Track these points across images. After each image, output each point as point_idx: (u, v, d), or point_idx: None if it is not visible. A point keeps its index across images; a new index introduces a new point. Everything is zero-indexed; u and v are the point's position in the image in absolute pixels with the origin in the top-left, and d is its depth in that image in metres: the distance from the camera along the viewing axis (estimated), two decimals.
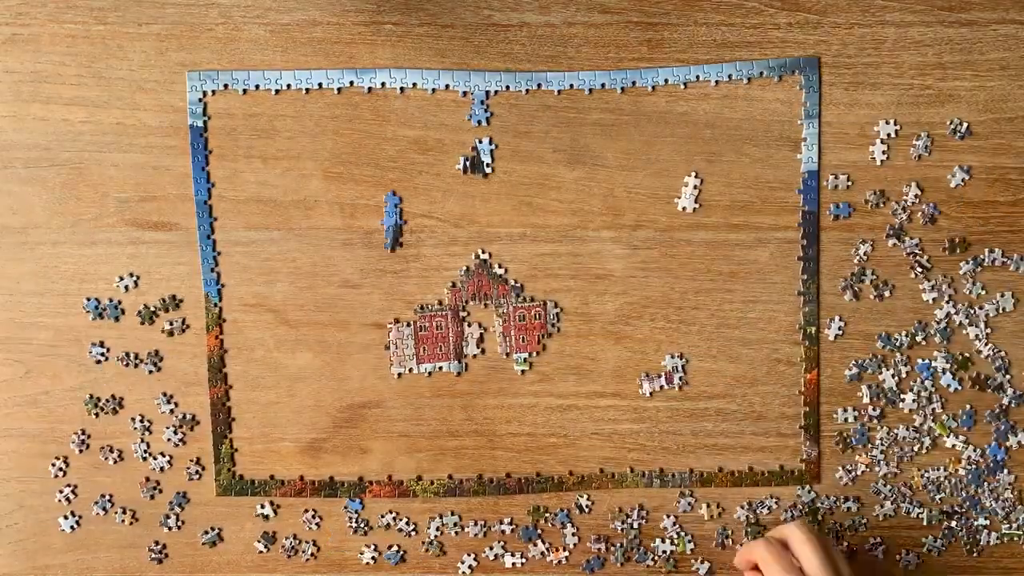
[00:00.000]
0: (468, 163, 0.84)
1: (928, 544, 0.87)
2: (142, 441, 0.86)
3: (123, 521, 0.87)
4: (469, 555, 0.87)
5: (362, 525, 0.87)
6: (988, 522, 0.87)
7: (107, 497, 0.86)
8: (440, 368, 0.86)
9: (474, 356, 0.86)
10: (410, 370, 0.86)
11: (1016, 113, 0.84)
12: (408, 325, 0.86)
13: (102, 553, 0.87)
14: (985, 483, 0.87)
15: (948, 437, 0.86)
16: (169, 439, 0.86)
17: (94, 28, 0.83)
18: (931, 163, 0.84)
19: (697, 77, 0.83)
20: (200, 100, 0.83)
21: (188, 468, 0.86)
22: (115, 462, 0.86)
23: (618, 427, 0.86)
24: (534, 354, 0.86)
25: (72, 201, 0.84)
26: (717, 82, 0.83)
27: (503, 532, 0.87)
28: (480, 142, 0.84)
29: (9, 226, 0.84)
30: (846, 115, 0.84)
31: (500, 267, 0.85)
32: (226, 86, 0.83)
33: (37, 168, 0.83)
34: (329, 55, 0.83)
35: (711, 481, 0.87)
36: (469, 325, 0.86)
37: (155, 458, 0.86)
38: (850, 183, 0.84)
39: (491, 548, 0.87)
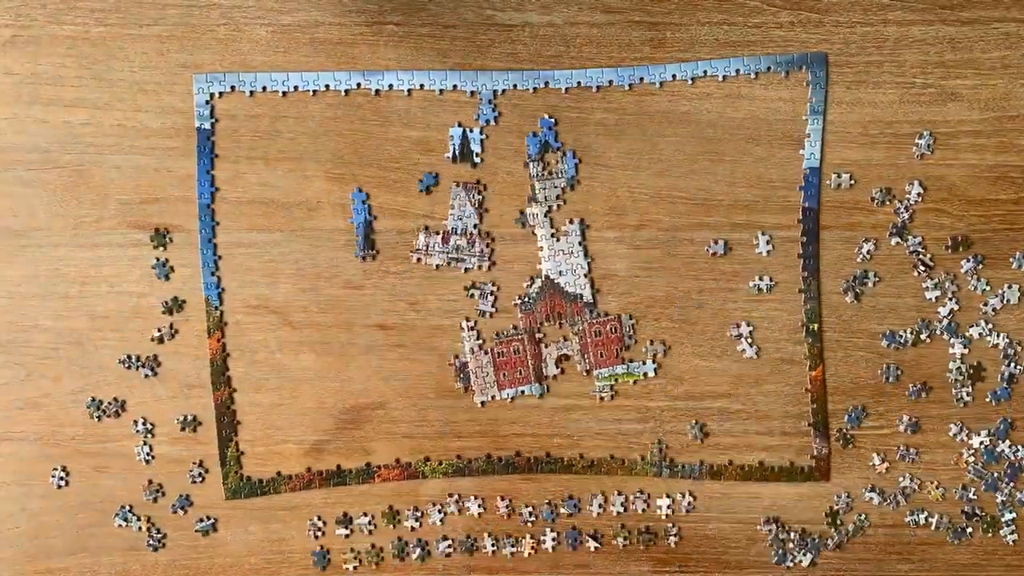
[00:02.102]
0: (457, 151, 0.84)
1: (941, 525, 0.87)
2: (144, 444, 0.86)
3: (126, 524, 0.87)
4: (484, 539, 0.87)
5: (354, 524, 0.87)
6: (1014, 515, 0.87)
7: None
8: (522, 392, 0.86)
9: (554, 377, 0.86)
10: (493, 397, 0.86)
11: (1018, 111, 0.84)
12: (486, 353, 0.86)
13: (104, 556, 0.87)
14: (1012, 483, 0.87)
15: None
16: (172, 442, 0.86)
17: (95, 30, 0.82)
18: (933, 161, 0.84)
19: (704, 72, 0.83)
20: (207, 103, 0.82)
21: (191, 471, 0.86)
22: (117, 465, 0.86)
23: (622, 427, 0.86)
24: (615, 369, 0.86)
25: (73, 203, 0.83)
26: (724, 77, 0.83)
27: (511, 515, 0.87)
28: (471, 131, 0.83)
29: (10, 228, 0.84)
30: (848, 114, 0.84)
31: (569, 285, 0.85)
32: (233, 88, 0.82)
33: (38, 170, 0.83)
34: (331, 56, 0.83)
35: (721, 474, 0.87)
36: (547, 346, 0.86)
37: (158, 460, 0.86)
38: (853, 182, 0.84)
39: (490, 539, 0.87)
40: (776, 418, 0.86)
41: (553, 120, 0.83)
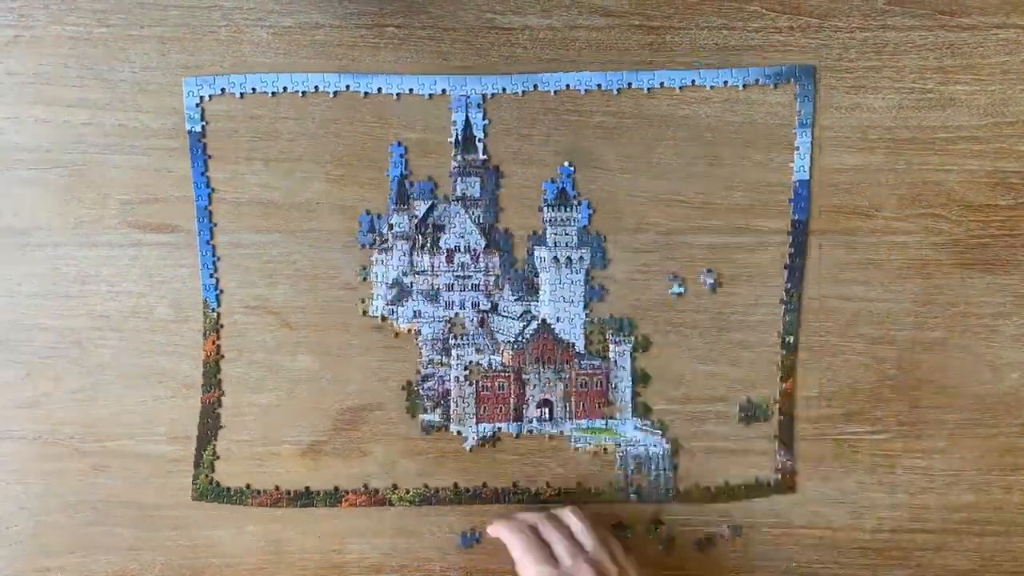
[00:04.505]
0: (460, 136, 0.84)
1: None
2: (143, 443, 0.86)
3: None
4: None
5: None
6: None
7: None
8: (499, 429, 0.86)
9: (533, 419, 0.87)
10: (469, 428, 0.86)
11: (1017, 117, 0.84)
12: (471, 384, 0.86)
13: (102, 556, 0.87)
14: None
15: None
16: (170, 441, 0.86)
17: (96, 30, 0.83)
18: (932, 167, 0.84)
19: (693, 81, 0.83)
20: (197, 105, 0.83)
21: (189, 471, 0.86)
22: (116, 464, 0.86)
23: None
24: (594, 423, 0.86)
25: (74, 203, 0.84)
26: (712, 87, 0.83)
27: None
28: (473, 116, 0.83)
29: (11, 227, 0.84)
30: (847, 119, 0.84)
31: (564, 332, 0.86)
32: (223, 90, 0.83)
33: (39, 170, 0.83)
34: (331, 58, 0.83)
35: (688, 497, 0.87)
36: (532, 388, 0.86)
37: (156, 460, 0.86)
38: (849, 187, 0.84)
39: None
40: (773, 423, 0.86)
41: (572, 168, 0.83)
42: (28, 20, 0.82)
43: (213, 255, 0.84)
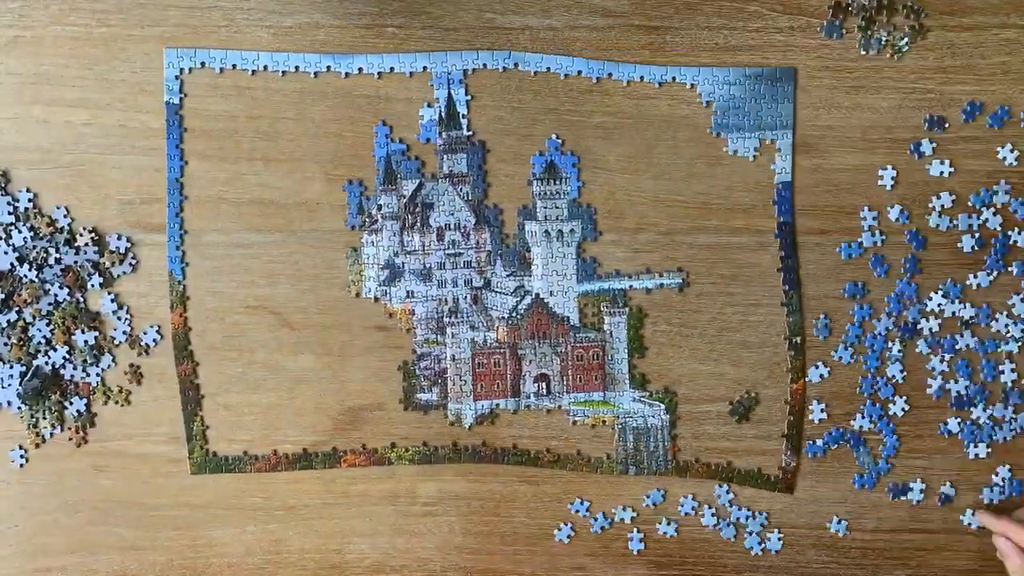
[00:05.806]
0: (443, 114, 0.84)
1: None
2: (143, 443, 0.86)
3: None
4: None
5: None
6: None
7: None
8: (497, 405, 0.86)
9: (530, 395, 0.86)
10: (468, 407, 0.86)
11: (1017, 117, 0.84)
12: (466, 362, 0.86)
13: (102, 556, 0.87)
14: None
15: None
16: (170, 441, 0.86)
17: (97, 31, 0.83)
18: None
19: (674, 78, 0.83)
20: (177, 77, 0.83)
21: (188, 468, 0.86)
22: (116, 464, 0.86)
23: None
24: (591, 395, 0.86)
25: (74, 203, 0.84)
26: (692, 85, 0.83)
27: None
28: (455, 91, 0.83)
29: None
30: (848, 119, 0.84)
31: (558, 306, 0.86)
32: (203, 64, 0.83)
33: (39, 170, 0.83)
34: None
35: (687, 471, 0.87)
36: (528, 363, 0.86)
37: (156, 460, 0.86)
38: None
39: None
40: (773, 423, 0.86)
41: (560, 141, 0.83)
42: (28, 20, 0.82)
43: (181, 228, 0.84)
